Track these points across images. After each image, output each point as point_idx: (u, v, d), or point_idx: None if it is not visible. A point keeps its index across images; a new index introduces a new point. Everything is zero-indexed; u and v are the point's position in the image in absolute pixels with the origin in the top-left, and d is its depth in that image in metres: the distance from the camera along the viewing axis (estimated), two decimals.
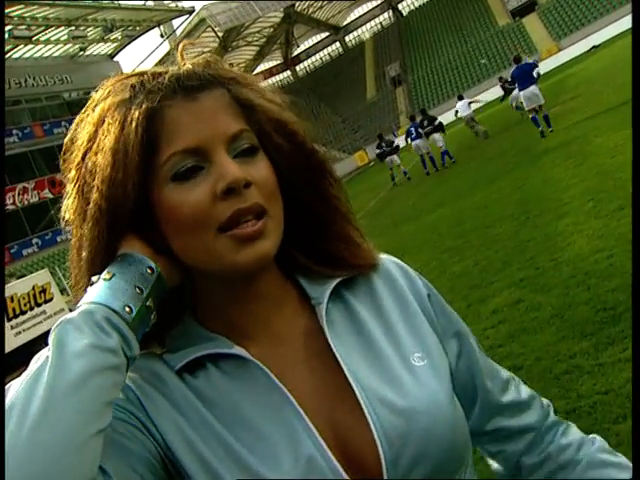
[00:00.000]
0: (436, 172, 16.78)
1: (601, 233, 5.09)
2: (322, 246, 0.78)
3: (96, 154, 0.68)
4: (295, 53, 68.19)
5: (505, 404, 0.83)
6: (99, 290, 0.64)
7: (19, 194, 33.61)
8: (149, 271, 0.68)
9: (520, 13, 49.67)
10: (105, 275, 0.66)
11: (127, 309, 0.63)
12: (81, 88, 38.14)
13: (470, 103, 18.98)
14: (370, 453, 0.66)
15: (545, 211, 6.81)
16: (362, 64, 59.82)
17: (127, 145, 0.66)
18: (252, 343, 0.73)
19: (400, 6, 63.00)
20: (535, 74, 13.20)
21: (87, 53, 41.98)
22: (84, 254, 0.69)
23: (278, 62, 68.43)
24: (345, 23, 66.80)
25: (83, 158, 0.70)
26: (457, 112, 18.99)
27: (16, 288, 15.99)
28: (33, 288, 16.87)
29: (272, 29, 60.79)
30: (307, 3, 59.23)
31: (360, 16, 65.86)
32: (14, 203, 32.94)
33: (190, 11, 45.33)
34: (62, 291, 19.16)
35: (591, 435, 0.87)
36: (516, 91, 15.33)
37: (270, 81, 63.04)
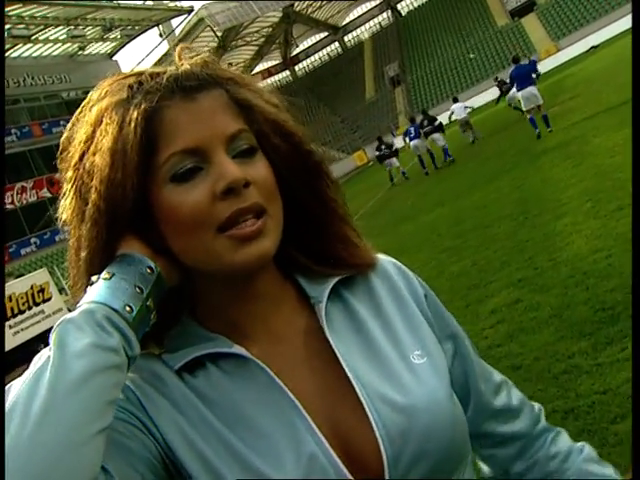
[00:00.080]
0: (436, 170, 16.80)
1: (600, 233, 5.10)
2: (320, 246, 0.78)
3: (94, 154, 0.68)
4: (294, 53, 68.16)
5: (497, 409, 0.83)
6: (99, 290, 0.64)
7: (17, 193, 33.58)
8: (149, 271, 0.68)
9: (519, 13, 49.69)
10: (105, 275, 0.66)
11: (128, 308, 0.63)
12: (80, 87, 38.09)
13: (466, 107, 18.81)
14: (371, 451, 0.66)
15: (544, 211, 6.81)
16: (361, 64, 59.81)
17: (126, 146, 0.66)
18: (252, 342, 0.73)
19: (399, 6, 62.97)
20: (534, 75, 13.21)
21: (86, 52, 41.96)
22: (82, 254, 0.69)
23: (277, 62, 68.40)
24: (344, 23, 66.78)
25: (81, 158, 0.70)
26: (451, 115, 18.71)
27: (14, 287, 15.98)
28: (31, 287, 16.86)
29: (271, 29, 60.79)
30: (306, 3, 59.24)
31: (359, 16, 65.84)
32: (12, 202, 32.90)
33: (189, 11, 45.34)
34: (60, 290, 19.15)
35: (580, 443, 0.87)
36: (514, 91, 15.33)
37: (269, 81, 63.03)
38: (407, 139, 18.16)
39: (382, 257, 0.84)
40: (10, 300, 14.69)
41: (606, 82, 15.11)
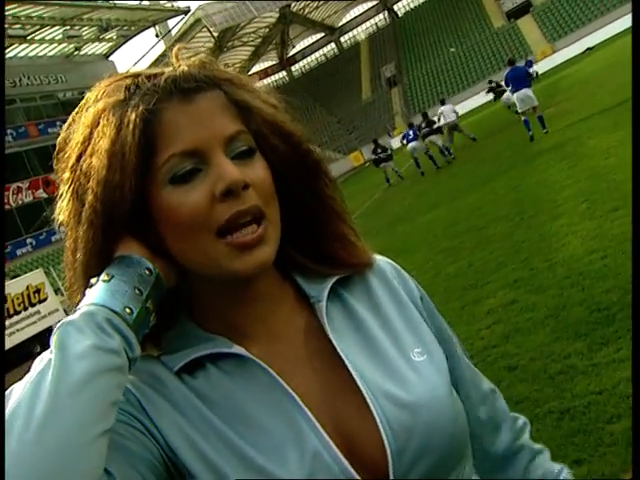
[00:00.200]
0: (437, 169, 16.83)
1: (595, 234, 5.11)
2: (318, 245, 0.78)
3: (91, 156, 0.68)
4: (290, 53, 68.17)
5: (480, 420, 0.82)
6: (99, 292, 0.64)
7: (13, 194, 33.49)
8: (147, 272, 0.68)
9: (515, 15, 49.80)
10: (104, 277, 0.66)
11: (127, 310, 0.63)
12: (76, 88, 38.03)
13: (454, 111, 18.53)
14: (375, 447, 0.66)
15: (539, 212, 6.83)
16: (357, 65, 59.85)
17: (124, 147, 0.66)
18: (251, 342, 0.73)
19: (395, 7, 63.07)
20: (531, 74, 13.21)
21: (82, 53, 41.88)
22: (79, 256, 0.69)
23: (273, 62, 68.41)
24: (341, 24, 66.83)
25: (78, 160, 0.70)
26: (440, 117, 18.17)
27: (10, 288, 15.93)
28: (27, 288, 16.82)
29: (267, 29, 60.77)
30: (303, 3, 59.22)
31: (356, 17, 65.90)
32: (8, 203, 32.79)
33: (185, 11, 45.31)
34: (56, 291, 19.10)
35: (558, 466, 0.86)
36: (508, 93, 15.32)
37: (265, 81, 62.98)
38: (405, 141, 18.24)
39: (378, 257, 0.84)
40: (6, 301, 14.63)
41: (601, 84, 15.16)
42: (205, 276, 0.71)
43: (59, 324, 0.60)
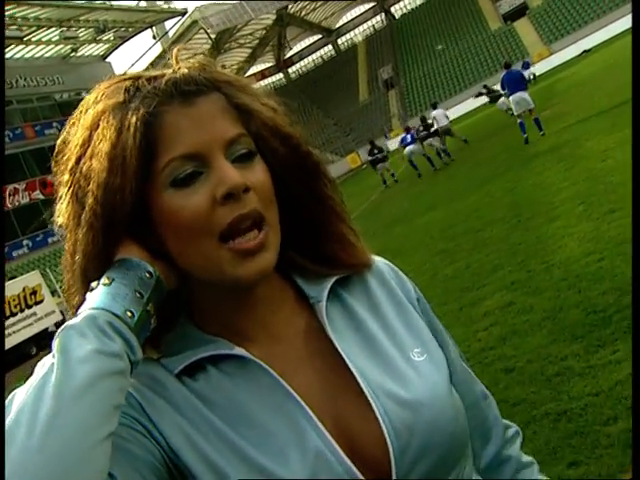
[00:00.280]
0: (434, 171, 16.88)
1: (592, 236, 5.12)
2: (318, 246, 0.79)
3: (91, 158, 0.68)
4: (287, 55, 68.20)
5: (470, 424, 0.81)
6: (100, 295, 0.64)
7: (10, 195, 33.43)
8: (148, 275, 0.68)
9: (512, 17, 49.92)
10: (105, 280, 0.66)
11: (129, 314, 0.63)
12: (73, 89, 37.98)
13: (446, 116, 18.40)
14: (377, 445, 0.67)
15: (536, 214, 6.84)
16: (354, 67, 59.91)
17: (125, 151, 0.66)
18: (252, 344, 0.73)
19: (393, 9, 63.16)
20: (528, 76, 13.24)
21: (79, 54, 41.86)
22: (78, 259, 0.69)
23: (270, 64, 68.42)
24: (338, 26, 66.89)
25: (77, 162, 0.69)
26: (433, 122, 17.87)
27: (6, 290, 15.89)
28: (24, 290, 16.79)
29: (264, 31, 60.83)
30: (300, 5, 59.31)
31: (353, 19, 65.97)
32: (5, 204, 32.74)
33: (182, 13, 45.30)
34: (53, 293, 19.06)
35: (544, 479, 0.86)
36: (503, 98, 15.35)
37: (262, 83, 62.97)
38: (403, 144, 18.34)
39: (376, 258, 0.85)
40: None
41: (598, 86, 15.20)
42: (206, 280, 0.71)
43: (61, 328, 0.60)
